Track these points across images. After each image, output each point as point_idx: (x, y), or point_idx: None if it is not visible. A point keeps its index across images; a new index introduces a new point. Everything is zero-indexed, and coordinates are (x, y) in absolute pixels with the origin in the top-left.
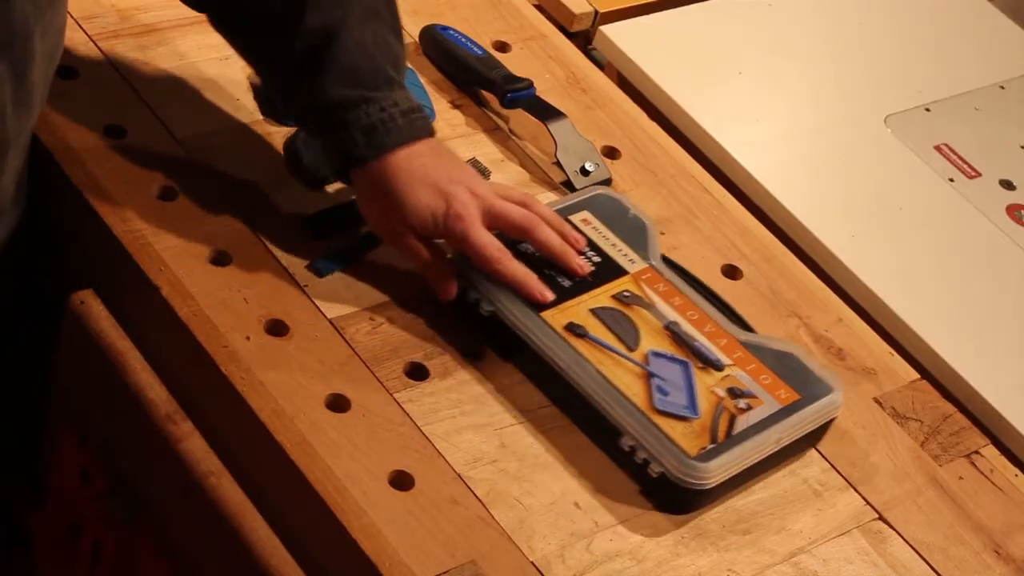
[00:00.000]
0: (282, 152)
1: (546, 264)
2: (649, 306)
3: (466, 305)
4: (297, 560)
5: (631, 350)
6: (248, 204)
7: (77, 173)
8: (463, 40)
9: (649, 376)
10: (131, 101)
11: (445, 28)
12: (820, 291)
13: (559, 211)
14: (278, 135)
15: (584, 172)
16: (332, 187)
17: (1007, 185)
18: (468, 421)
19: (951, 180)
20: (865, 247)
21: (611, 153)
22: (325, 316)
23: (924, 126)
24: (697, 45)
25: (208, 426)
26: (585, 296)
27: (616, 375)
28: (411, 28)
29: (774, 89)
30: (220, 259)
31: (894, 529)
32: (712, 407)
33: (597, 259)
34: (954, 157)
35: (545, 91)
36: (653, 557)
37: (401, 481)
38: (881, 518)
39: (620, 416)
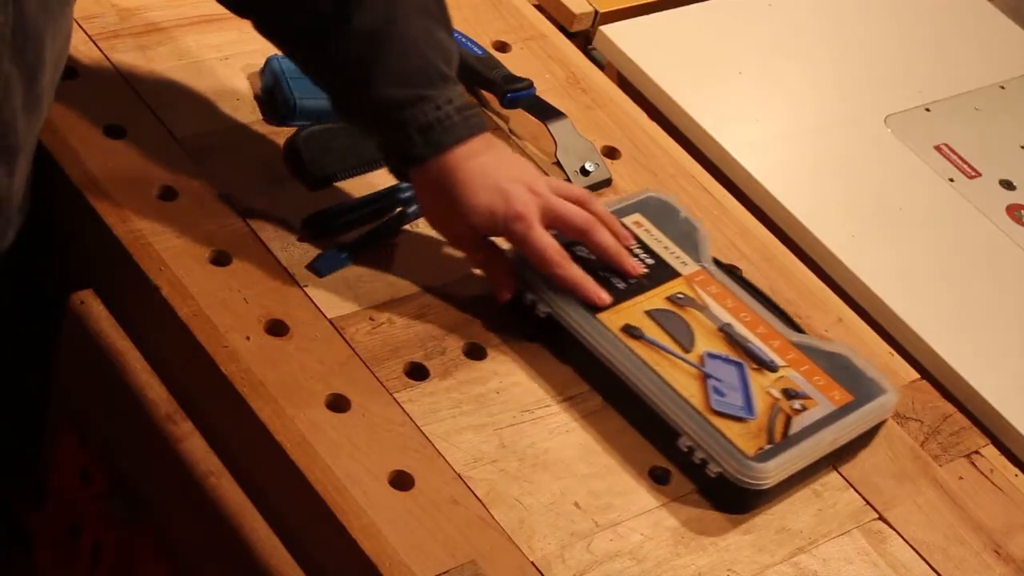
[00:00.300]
0: (282, 152)
1: (600, 266)
2: (703, 308)
3: (523, 307)
4: (297, 560)
5: (686, 351)
6: (248, 204)
7: (77, 173)
8: (463, 40)
9: (705, 377)
10: (131, 101)
11: None
12: (820, 291)
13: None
14: (278, 135)
15: (584, 172)
16: (332, 187)
17: (1007, 185)
18: (468, 421)
19: (951, 180)
20: (865, 247)
21: (611, 153)
22: (325, 316)
23: (924, 126)
24: (697, 45)
25: (208, 426)
26: (640, 298)
27: (673, 376)
28: None
29: (774, 89)
30: (220, 259)
31: (894, 529)
32: (768, 408)
33: (650, 261)
34: (954, 157)
35: (545, 91)
36: (653, 557)
37: (401, 481)
38: (881, 518)
39: (678, 417)
